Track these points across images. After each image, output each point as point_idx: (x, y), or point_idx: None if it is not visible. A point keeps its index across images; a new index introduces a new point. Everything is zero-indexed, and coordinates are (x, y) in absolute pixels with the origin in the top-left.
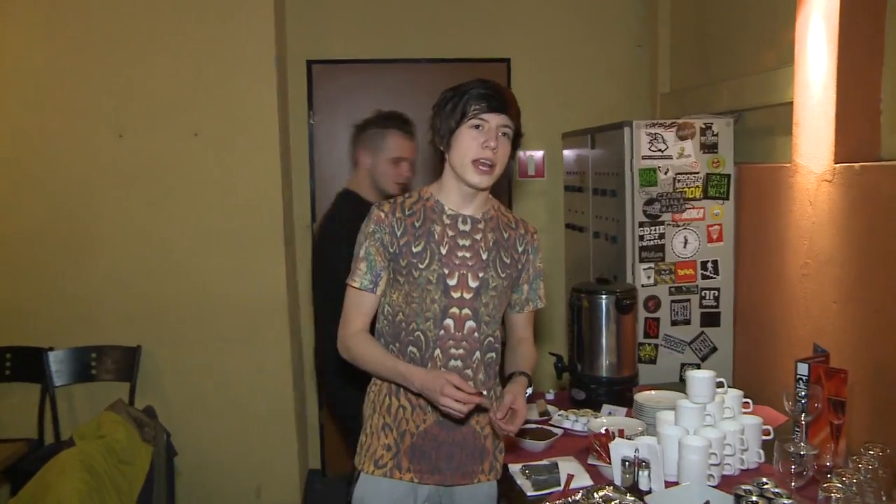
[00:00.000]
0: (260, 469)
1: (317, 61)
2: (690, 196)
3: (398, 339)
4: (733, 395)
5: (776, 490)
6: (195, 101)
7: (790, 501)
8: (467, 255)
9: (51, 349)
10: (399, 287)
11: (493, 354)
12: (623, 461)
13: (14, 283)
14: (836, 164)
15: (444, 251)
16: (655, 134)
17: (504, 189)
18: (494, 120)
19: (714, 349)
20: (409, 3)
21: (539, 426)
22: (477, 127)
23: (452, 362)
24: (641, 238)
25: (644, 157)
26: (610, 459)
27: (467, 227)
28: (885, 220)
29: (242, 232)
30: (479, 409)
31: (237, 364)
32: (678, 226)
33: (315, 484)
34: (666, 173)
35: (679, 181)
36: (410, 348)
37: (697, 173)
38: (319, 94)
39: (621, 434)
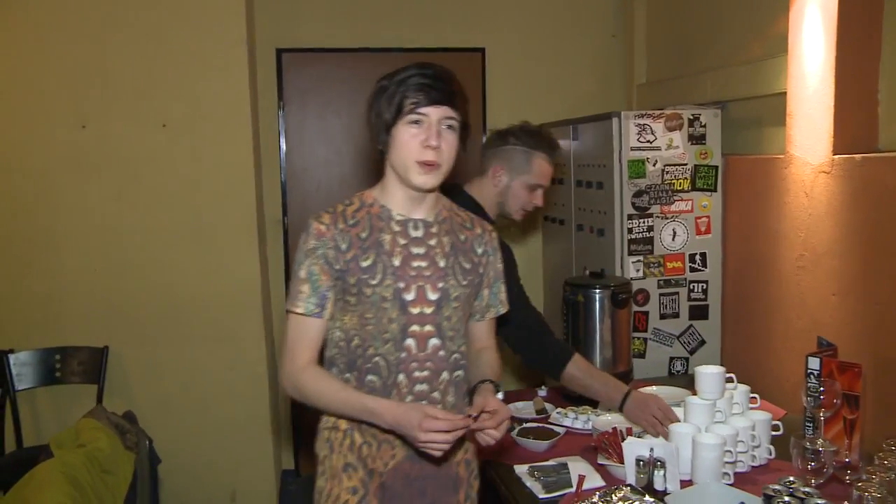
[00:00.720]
0: (235, 473)
1: (287, 50)
2: (679, 188)
3: (354, 367)
4: (742, 391)
5: (805, 489)
6: (163, 90)
7: (823, 501)
8: (423, 264)
9: (11, 351)
10: (350, 308)
11: (461, 372)
12: (637, 461)
13: None
14: (834, 155)
15: (396, 263)
16: (644, 125)
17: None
18: (435, 113)
19: (703, 342)
20: None
21: (539, 425)
22: (416, 123)
23: (418, 386)
24: (630, 231)
25: (633, 149)
26: (622, 459)
27: (420, 233)
28: (885, 212)
29: (213, 227)
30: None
31: (210, 364)
32: (667, 218)
33: (289, 485)
34: (654, 165)
35: (667, 173)
36: (369, 377)
37: (685, 165)
38: (289, 83)
39: (629, 432)
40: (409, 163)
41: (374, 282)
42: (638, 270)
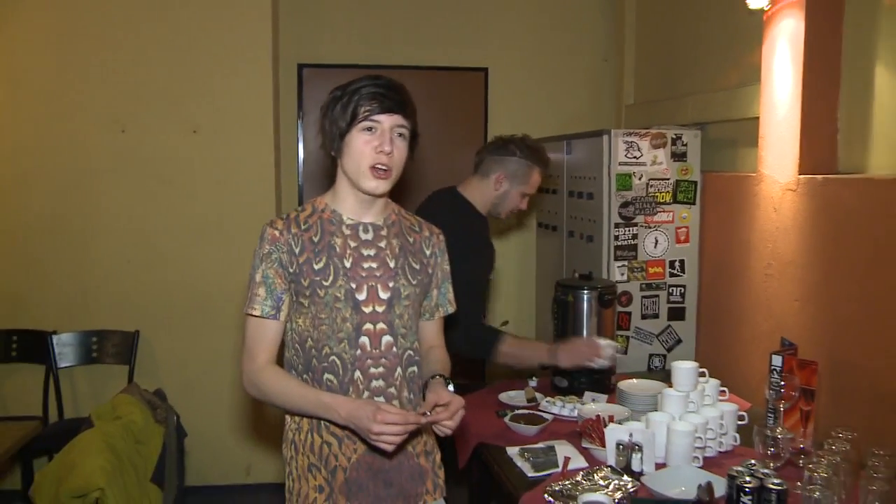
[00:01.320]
0: (250, 449)
1: (307, 65)
2: (661, 200)
3: (310, 367)
4: (712, 384)
5: (764, 471)
6: (194, 99)
7: (778, 480)
8: (374, 265)
9: (55, 332)
10: (304, 311)
11: (415, 368)
12: (618, 445)
13: (21, 270)
14: (800, 175)
15: (348, 264)
16: (631, 142)
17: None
18: (388, 121)
19: (679, 341)
20: (396, 13)
21: (530, 412)
22: (370, 129)
23: (374, 382)
24: (616, 238)
25: (621, 163)
26: (604, 443)
27: (369, 236)
28: (843, 228)
29: (236, 224)
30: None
31: (230, 349)
32: (650, 227)
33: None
34: (640, 179)
35: (651, 186)
36: (326, 375)
37: (668, 179)
38: (309, 96)
39: (611, 419)
40: (362, 168)
41: (326, 283)
42: (623, 274)
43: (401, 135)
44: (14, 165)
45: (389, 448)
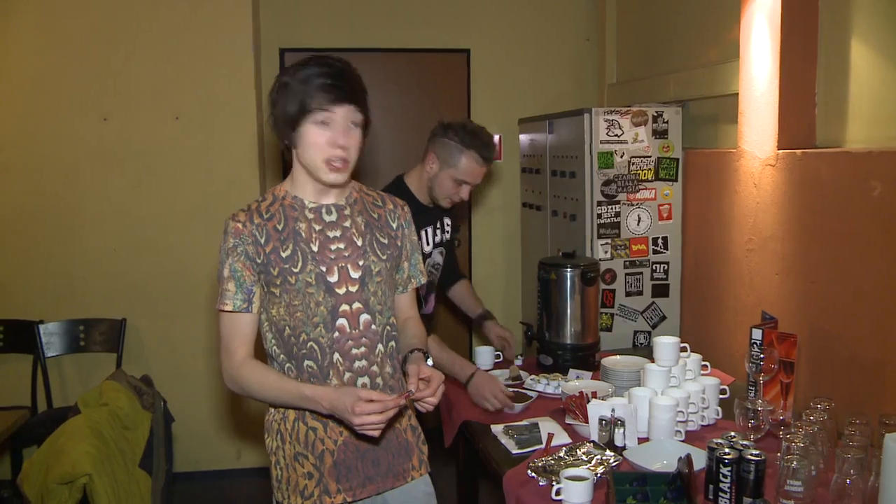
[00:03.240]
0: (239, 433)
1: (289, 49)
2: (643, 178)
3: (292, 356)
4: (694, 359)
5: (744, 442)
6: (176, 86)
7: (757, 451)
8: (341, 245)
9: (41, 322)
10: (277, 300)
11: (394, 343)
12: (600, 420)
13: (6, 260)
14: (779, 150)
15: (315, 248)
16: (612, 120)
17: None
18: (341, 111)
19: (664, 317)
20: None
21: (514, 389)
22: (323, 123)
23: (357, 363)
24: (599, 216)
25: (602, 142)
26: (587, 419)
27: (333, 217)
28: (822, 201)
29: (221, 210)
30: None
31: (216, 335)
32: (632, 205)
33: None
34: (622, 157)
35: (633, 164)
36: (307, 362)
37: (650, 157)
38: None
39: (594, 396)
40: (318, 162)
41: (296, 269)
42: (606, 252)
43: (355, 124)
44: None
45: (375, 434)
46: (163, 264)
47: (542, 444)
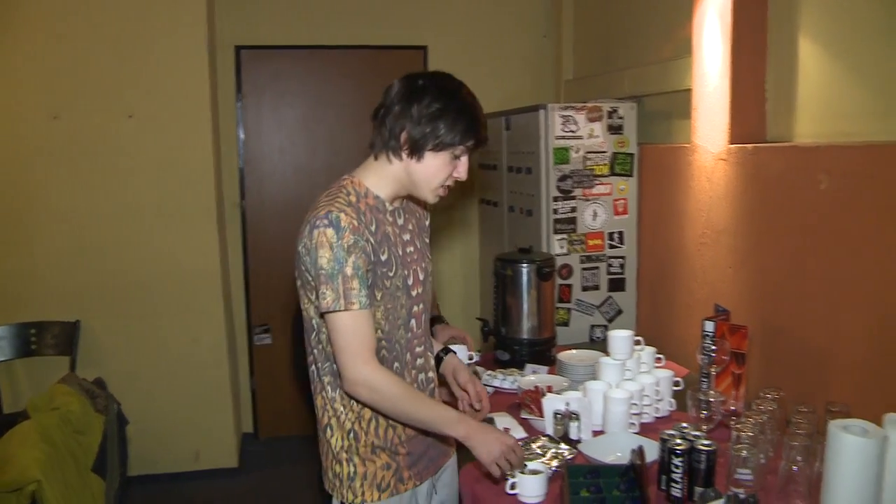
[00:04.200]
0: (198, 435)
1: (245, 47)
2: (599, 173)
3: (379, 358)
4: (648, 352)
5: (695, 433)
6: (130, 83)
7: (708, 441)
8: (411, 249)
9: None
10: (377, 303)
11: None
12: (555, 414)
13: None
14: (730, 144)
15: (400, 252)
16: (568, 116)
17: None
18: (472, 153)
19: (620, 312)
20: None
21: None
22: (456, 157)
23: (419, 360)
24: (555, 211)
25: (558, 137)
26: (542, 413)
27: (402, 220)
28: (772, 195)
29: (176, 210)
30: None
31: (174, 336)
32: (588, 200)
33: (249, 446)
34: (577, 152)
35: (589, 159)
36: (395, 364)
37: (605, 152)
38: (247, 78)
39: (550, 390)
40: (433, 185)
41: (391, 274)
42: (562, 247)
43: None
44: None
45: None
46: (118, 265)
47: None
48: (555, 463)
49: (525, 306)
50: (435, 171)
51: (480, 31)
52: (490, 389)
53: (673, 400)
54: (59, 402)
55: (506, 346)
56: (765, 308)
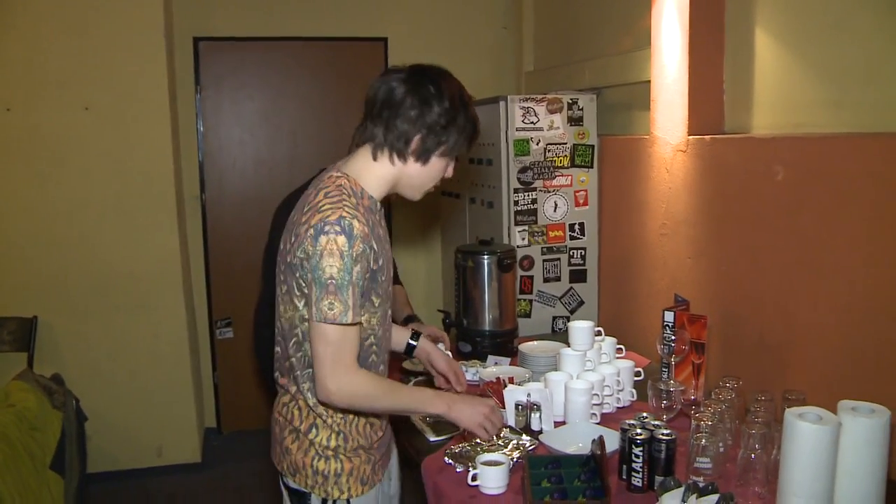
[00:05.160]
0: (160, 430)
1: (203, 38)
2: (559, 164)
3: (365, 362)
4: (609, 342)
5: (655, 423)
6: (85, 75)
7: (668, 431)
8: (387, 246)
9: None
10: (373, 309)
11: None
12: (517, 405)
13: None
14: (689, 136)
15: (388, 255)
16: (528, 108)
17: None
18: None
19: (581, 302)
20: None
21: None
22: (451, 161)
23: (386, 354)
24: (516, 203)
25: (518, 129)
26: (504, 404)
27: (378, 217)
28: (730, 186)
29: (135, 203)
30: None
31: (134, 331)
32: (549, 192)
33: (212, 441)
34: (538, 144)
35: (549, 151)
36: (381, 368)
37: (565, 144)
38: (206, 70)
39: (511, 381)
40: (426, 185)
41: (382, 278)
42: (524, 239)
43: None
44: None
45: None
46: (76, 260)
47: (458, 430)
48: (516, 454)
49: (486, 298)
50: (436, 173)
51: (441, 22)
52: None
53: (634, 390)
54: (15, 398)
55: (468, 337)
56: (724, 298)
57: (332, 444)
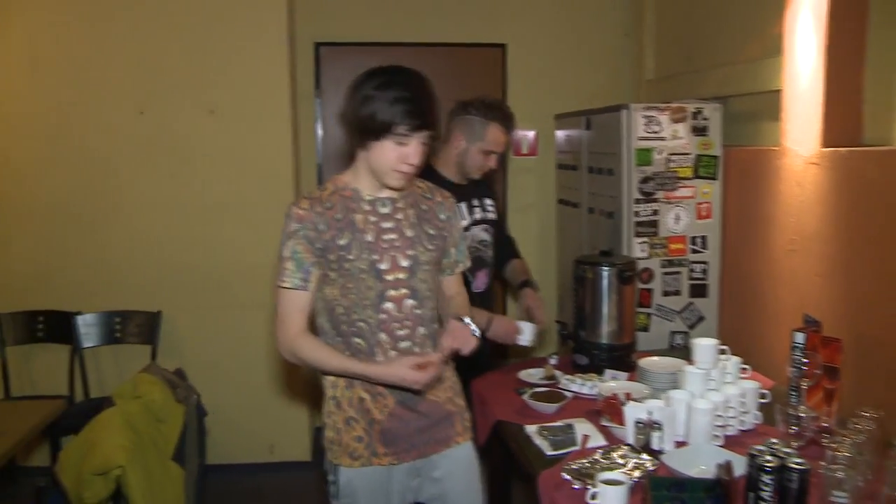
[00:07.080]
0: (273, 428)
1: (324, 43)
2: (682, 175)
3: (340, 332)
4: (734, 362)
5: (786, 450)
6: (211, 79)
7: (801, 460)
8: (393, 236)
9: (79, 313)
10: (332, 282)
11: (436, 325)
12: (637, 423)
13: (45, 251)
14: (823, 148)
15: (369, 238)
16: (651, 117)
17: (499, 166)
18: (418, 137)
19: (701, 318)
20: None
21: (549, 389)
22: (400, 143)
23: (402, 344)
24: (637, 214)
25: (640, 138)
26: (623, 421)
27: (387, 210)
28: (867, 201)
29: (256, 203)
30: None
31: (251, 328)
32: (671, 203)
33: (322, 441)
34: (660, 154)
35: (672, 161)
36: (354, 339)
37: (689, 154)
38: (326, 74)
39: (629, 397)
40: (387, 170)
41: (351, 257)
42: (643, 251)
43: (425, 143)
44: (36, 148)
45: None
46: (198, 257)
47: (576, 445)
48: (637, 473)
49: (605, 310)
50: (387, 158)
51: (559, 29)
52: (568, 394)
53: (759, 413)
54: (142, 390)
55: (584, 350)
56: (857, 320)
57: (328, 409)
